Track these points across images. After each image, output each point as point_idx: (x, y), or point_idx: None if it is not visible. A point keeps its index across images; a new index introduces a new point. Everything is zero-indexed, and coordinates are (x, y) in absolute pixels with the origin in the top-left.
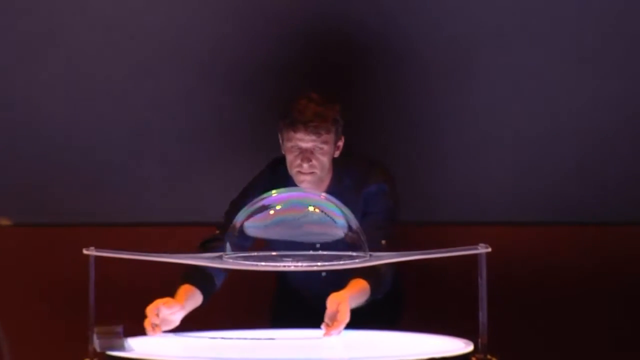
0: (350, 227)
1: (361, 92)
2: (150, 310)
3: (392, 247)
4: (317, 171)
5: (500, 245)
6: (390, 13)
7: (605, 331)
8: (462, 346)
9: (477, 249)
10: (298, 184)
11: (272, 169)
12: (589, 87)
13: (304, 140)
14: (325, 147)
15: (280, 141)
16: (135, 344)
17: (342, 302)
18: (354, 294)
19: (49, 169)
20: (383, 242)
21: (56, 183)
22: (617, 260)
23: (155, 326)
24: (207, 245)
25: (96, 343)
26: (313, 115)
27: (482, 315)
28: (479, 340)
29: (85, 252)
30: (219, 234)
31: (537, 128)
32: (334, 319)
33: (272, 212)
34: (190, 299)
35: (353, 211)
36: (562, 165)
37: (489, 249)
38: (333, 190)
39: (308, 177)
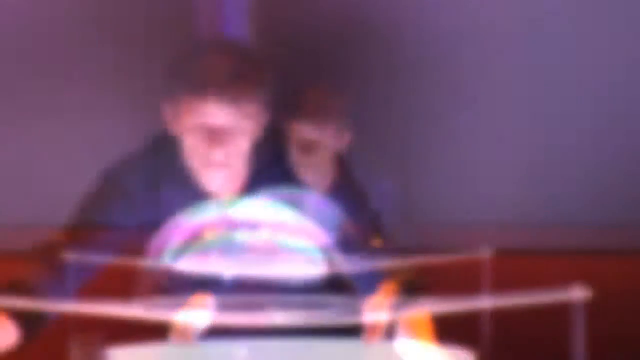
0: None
1: (361, 90)
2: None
3: (410, 246)
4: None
5: (503, 247)
6: (399, 7)
7: (608, 336)
8: (462, 357)
9: (478, 253)
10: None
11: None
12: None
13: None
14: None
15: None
16: (116, 355)
17: (380, 308)
18: (389, 299)
19: None
20: (391, 240)
21: None
22: (621, 261)
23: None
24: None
25: (73, 354)
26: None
27: (484, 324)
28: (480, 350)
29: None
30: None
31: (541, 128)
32: (374, 326)
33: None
34: None
35: (356, 210)
36: (565, 166)
37: (492, 254)
38: (336, 188)
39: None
